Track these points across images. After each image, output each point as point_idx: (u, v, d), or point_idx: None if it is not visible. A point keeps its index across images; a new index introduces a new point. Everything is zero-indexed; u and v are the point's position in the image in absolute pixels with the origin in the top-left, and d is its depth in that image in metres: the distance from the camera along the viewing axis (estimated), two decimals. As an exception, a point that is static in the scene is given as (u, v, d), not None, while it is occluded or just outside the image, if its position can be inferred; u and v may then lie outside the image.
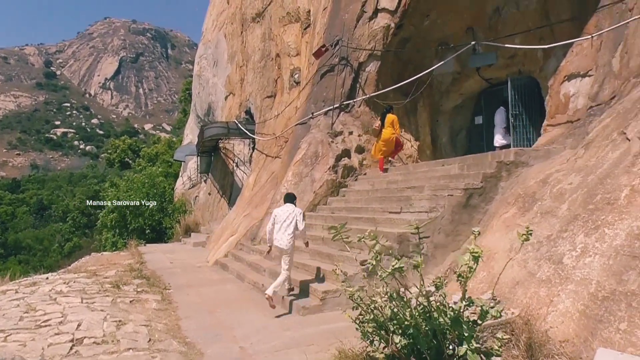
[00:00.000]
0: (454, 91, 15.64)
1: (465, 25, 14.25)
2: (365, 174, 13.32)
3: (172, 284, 10.45)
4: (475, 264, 3.66)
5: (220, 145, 25.26)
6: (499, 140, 14.08)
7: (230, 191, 23.81)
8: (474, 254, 3.62)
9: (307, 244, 8.43)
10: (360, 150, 13.65)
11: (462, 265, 3.79)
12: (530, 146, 13.77)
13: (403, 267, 4.07)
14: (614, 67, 11.01)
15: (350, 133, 13.77)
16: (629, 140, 5.91)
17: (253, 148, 21.52)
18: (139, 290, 9.44)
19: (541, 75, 13.32)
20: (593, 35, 11.70)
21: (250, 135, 20.44)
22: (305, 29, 17.82)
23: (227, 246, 14.01)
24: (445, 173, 9.47)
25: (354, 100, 14.04)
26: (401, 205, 8.94)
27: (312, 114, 14.32)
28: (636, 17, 10.33)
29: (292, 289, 7.96)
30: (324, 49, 14.16)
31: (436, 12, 14.08)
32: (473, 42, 13.68)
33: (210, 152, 26.81)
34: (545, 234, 5.92)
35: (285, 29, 19.03)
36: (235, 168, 24.07)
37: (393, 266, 4.08)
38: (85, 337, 6.13)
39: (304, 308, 7.12)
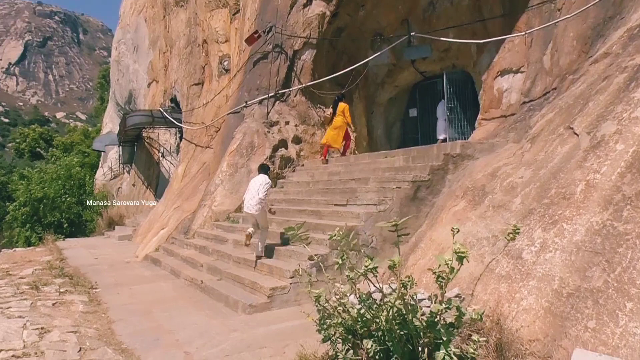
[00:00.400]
0: (389, 83, 15.66)
1: (400, 17, 14.26)
2: (303, 165, 12.98)
3: (99, 282, 9.58)
4: (460, 264, 3.41)
5: (144, 134, 23.88)
6: (442, 132, 14.23)
7: (156, 182, 22.59)
8: (459, 254, 3.37)
9: (272, 211, 9.14)
10: (297, 140, 13.28)
11: (440, 265, 3.53)
12: (466, 139, 14.08)
13: (377, 267, 3.76)
14: (545, 65, 11.41)
15: (287, 123, 13.36)
16: (577, 135, 5.98)
17: (180, 138, 20.49)
18: (61, 290, 8.53)
19: (475, 70, 13.61)
20: (525, 32, 12.05)
21: (178, 124, 19.43)
22: (234, 14, 17.11)
23: (158, 240, 13.16)
24: (390, 165, 9.34)
25: (290, 89, 13.63)
26: (347, 198, 8.70)
27: (246, 102, 13.75)
28: (564, 17, 10.74)
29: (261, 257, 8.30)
30: (256, 35, 13.60)
31: (371, 3, 13.96)
32: (409, 34, 13.72)
33: (133, 141, 25.29)
34: (500, 228, 5.87)
35: (212, 14, 18.18)
36: (161, 158, 22.85)
37: (366, 267, 3.75)
38: (1, 350, 5.32)
39: (251, 306, 6.69)
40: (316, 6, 13.43)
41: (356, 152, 14.69)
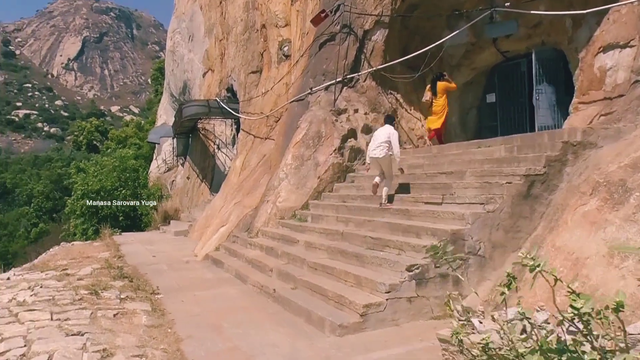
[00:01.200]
0: (465, 65, 14.18)
1: (479, -8, 12.71)
2: (372, 157, 11.78)
3: (160, 286, 8.78)
4: None
5: (199, 125, 23.30)
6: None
7: (211, 175, 21.97)
8: None
9: (401, 170, 9.06)
10: (367, 130, 12.08)
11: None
12: (557, 127, 12.48)
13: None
14: (665, 35, 9.70)
15: (356, 111, 12.19)
16: None
17: (237, 129, 19.71)
18: (122, 297, 7.74)
19: (570, 47, 11.94)
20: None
21: (235, 114, 18.61)
22: (296, -4, 15.99)
23: (218, 238, 12.34)
24: (488, 156, 8.01)
25: (359, 73, 12.43)
26: (442, 194, 7.45)
27: (311, 89, 12.66)
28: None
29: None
30: (323, 15, 12.45)
31: (450, -25, 12.49)
32: (492, 9, 12.20)
33: (188, 133, 24.80)
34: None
35: (272, -3, 17.15)
36: (216, 150, 22.20)
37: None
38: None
39: (341, 327, 5.59)
40: (395, -19, 12.13)
41: (430, 143, 13.36)
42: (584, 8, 11.04)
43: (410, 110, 13.14)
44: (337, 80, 12.26)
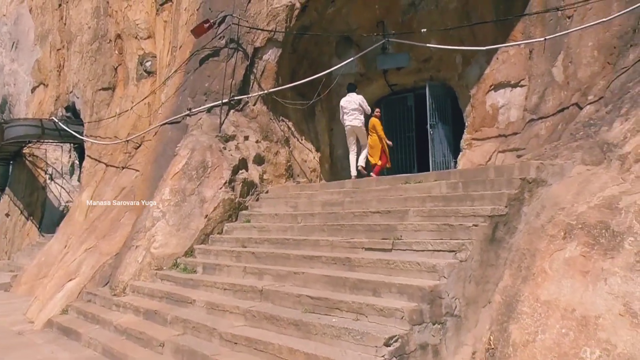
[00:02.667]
0: (353, 96, 13.45)
1: (374, 19, 12.21)
2: (267, 192, 10.20)
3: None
4: None
5: (26, 150, 19.08)
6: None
7: (41, 212, 17.96)
8: None
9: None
10: (259, 160, 10.48)
11: None
12: (448, 163, 12.32)
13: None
14: (556, 77, 9.95)
15: (246, 138, 10.53)
16: None
17: (80, 156, 16.41)
18: None
19: (460, 83, 11.92)
20: (520, 42, 10.67)
21: (79, 137, 15.40)
22: (162, 4, 13.91)
23: (65, 296, 9.44)
24: (426, 193, 7.02)
25: (249, 96, 10.85)
26: (387, 239, 6.17)
27: (190, 110, 10.70)
28: (582, 26, 9.41)
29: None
30: (207, 26, 10.68)
31: (344, -1, 11.75)
32: (385, 39, 11.73)
33: (9, 159, 20.20)
34: None
35: (130, 4, 14.76)
36: (48, 181, 18.29)
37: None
38: None
39: None
40: (283, -5, 10.90)
41: (321, 176, 12.24)
42: (474, 46, 11.10)
43: (302, 140, 11.89)
44: (223, 101, 10.51)
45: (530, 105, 10.39)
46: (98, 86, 15.25)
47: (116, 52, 14.86)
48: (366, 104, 9.95)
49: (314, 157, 12.05)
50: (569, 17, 10.01)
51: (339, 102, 13.36)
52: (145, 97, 13.21)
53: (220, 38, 10.92)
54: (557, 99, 9.92)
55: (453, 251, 5.41)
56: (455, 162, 12.64)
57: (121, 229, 10.44)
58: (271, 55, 11.04)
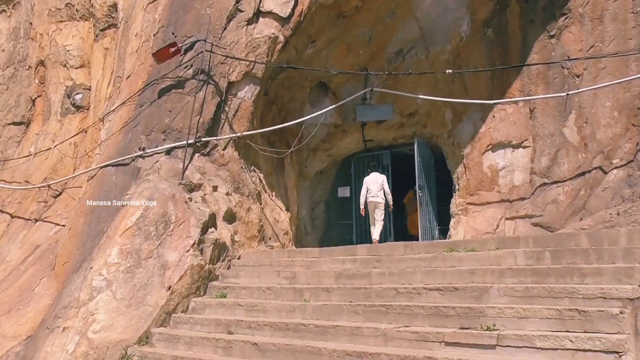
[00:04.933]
0: (323, 149, 11.88)
1: (356, 65, 10.91)
2: (239, 258, 8.02)
3: None
4: None
5: None
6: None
7: None
8: None
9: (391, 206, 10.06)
10: (230, 217, 8.34)
11: None
12: (441, 227, 10.90)
13: None
14: (569, 139, 9.13)
15: (215, 188, 8.40)
16: None
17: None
18: None
19: (449, 141, 10.81)
20: (518, 99, 9.88)
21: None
22: (103, 29, 11.68)
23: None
24: (497, 264, 5.36)
25: (219, 137, 8.83)
26: (480, 328, 4.37)
27: (143, 149, 8.43)
28: (597, 85, 8.75)
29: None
30: (173, 50, 8.70)
31: (325, 39, 10.41)
32: (369, 88, 10.44)
33: None
34: None
35: (60, 28, 12.35)
36: None
37: None
38: None
39: None
40: (265, 26, 9.28)
41: (292, 241, 10.22)
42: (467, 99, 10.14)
43: (273, 196, 9.93)
44: (189, 142, 8.39)
45: (540, 168, 9.42)
46: (8, 119, 12.28)
47: (36, 81, 12.18)
48: (387, 185, 10.04)
49: (285, 218, 10.06)
50: (577, 76, 9.36)
51: (308, 156, 11.81)
52: (74, 135, 10.59)
53: (186, 67, 8.95)
54: (574, 162, 9.03)
55: (614, 352, 3.69)
56: (441, 230, 11.30)
57: (35, 302, 7.63)
58: (247, 93, 9.21)
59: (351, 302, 5.62)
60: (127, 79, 9.96)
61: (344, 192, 12.42)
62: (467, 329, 4.55)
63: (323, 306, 5.70)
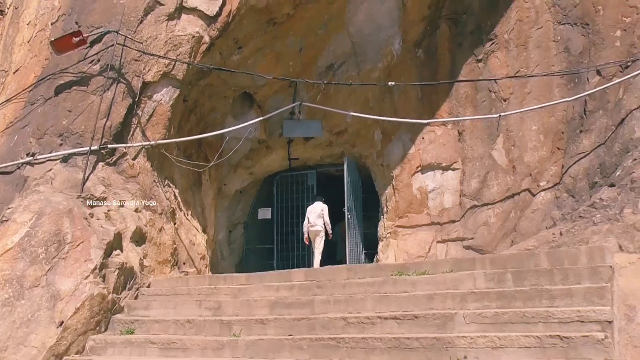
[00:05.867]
0: (245, 167, 10.97)
1: (285, 77, 10.23)
2: (149, 287, 6.83)
3: None
4: None
5: None
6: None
7: None
8: None
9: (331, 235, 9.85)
10: (140, 238, 7.15)
11: None
12: (359, 254, 10.34)
13: None
14: (498, 161, 9.08)
15: (122, 204, 7.16)
16: None
17: None
18: None
19: (378, 162, 10.41)
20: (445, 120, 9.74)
21: None
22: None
23: None
24: (455, 288, 4.80)
25: (128, 145, 7.65)
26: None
27: (33, 155, 7.05)
28: (521, 110, 8.81)
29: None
30: (77, 40, 7.44)
31: (253, 46, 9.64)
32: (298, 103, 9.83)
33: None
34: None
35: None
36: None
37: None
38: None
39: None
40: (188, 23, 8.33)
41: (208, 266, 9.13)
42: (395, 122, 9.85)
43: (188, 215, 8.82)
44: (92, 148, 7.14)
45: (470, 191, 9.24)
46: None
47: None
48: (327, 214, 9.81)
49: (202, 240, 8.98)
50: (504, 100, 9.40)
51: (228, 173, 10.83)
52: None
53: (92, 62, 7.73)
54: (504, 184, 8.94)
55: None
56: (367, 254, 10.78)
57: None
58: (165, 96, 8.14)
59: (292, 335, 4.75)
60: (14, 73, 8.48)
61: (265, 213, 11.53)
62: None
63: (258, 341, 4.77)
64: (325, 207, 9.79)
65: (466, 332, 4.08)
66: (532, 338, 3.76)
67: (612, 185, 6.60)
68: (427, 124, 9.48)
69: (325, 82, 9.10)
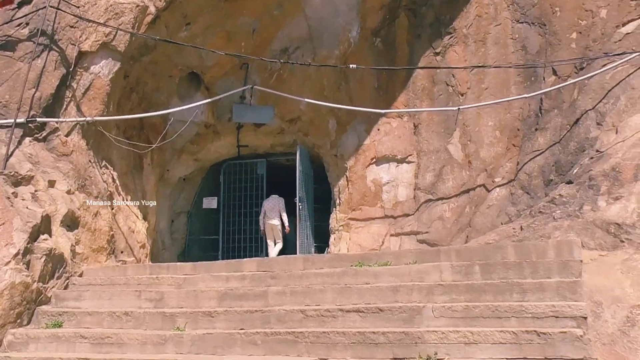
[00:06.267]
0: (190, 152, 10.32)
1: (237, 59, 9.68)
2: (81, 276, 6.16)
3: None
4: None
5: None
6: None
7: None
8: None
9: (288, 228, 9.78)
10: (72, 222, 6.43)
11: None
12: (309, 246, 9.97)
13: None
14: (455, 155, 8.98)
15: (52, 184, 6.43)
16: None
17: None
18: None
19: (332, 152, 10.08)
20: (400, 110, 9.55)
21: None
22: None
23: None
24: (420, 280, 4.51)
25: (61, 120, 6.89)
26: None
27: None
28: (480, 104, 8.75)
29: None
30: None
31: (202, 23, 9.04)
32: (249, 86, 9.33)
33: None
34: None
35: None
36: None
37: None
38: None
39: None
40: (133, -9, 7.64)
41: (149, 255, 8.47)
42: (351, 112, 9.58)
43: (128, 200, 8.11)
44: (17, 121, 6.35)
45: (425, 184, 9.07)
46: None
47: None
48: (284, 208, 9.87)
49: (143, 228, 8.30)
50: (462, 94, 9.31)
51: (171, 157, 10.14)
52: None
53: (20, 25, 6.90)
54: (459, 179, 8.83)
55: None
56: (318, 247, 10.44)
57: None
58: (104, 69, 7.41)
59: (244, 329, 4.30)
60: None
61: (211, 203, 10.93)
62: (402, 359, 3.56)
63: (206, 336, 4.28)
64: (282, 201, 9.83)
65: (436, 327, 3.79)
66: (507, 333, 3.52)
67: (569, 182, 6.57)
68: (384, 114, 9.22)
69: (282, 61, 8.55)
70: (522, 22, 9.02)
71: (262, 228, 9.93)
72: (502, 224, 7.59)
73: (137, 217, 8.24)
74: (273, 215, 9.76)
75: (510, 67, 8.61)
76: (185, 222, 10.90)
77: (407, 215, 8.98)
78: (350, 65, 8.31)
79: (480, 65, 8.82)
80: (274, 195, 9.98)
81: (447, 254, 4.91)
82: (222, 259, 10.22)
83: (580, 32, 8.34)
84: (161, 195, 10.03)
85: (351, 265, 5.05)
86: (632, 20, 7.99)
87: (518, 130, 8.55)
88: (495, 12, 9.27)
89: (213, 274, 5.48)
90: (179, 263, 6.91)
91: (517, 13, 9.11)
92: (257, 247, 10.54)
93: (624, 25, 8.05)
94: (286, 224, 9.71)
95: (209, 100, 9.11)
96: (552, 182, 7.30)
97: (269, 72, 9.84)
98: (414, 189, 9.14)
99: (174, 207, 10.58)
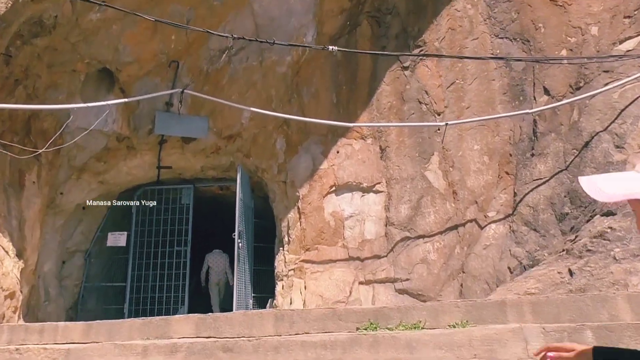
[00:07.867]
0: (94, 171, 7.91)
1: (164, 56, 7.67)
2: None
3: None
4: None
5: None
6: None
7: None
8: None
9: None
10: None
11: None
12: (260, 295, 7.77)
13: None
14: (435, 184, 7.39)
15: None
16: None
17: None
18: None
19: (279, 178, 8.16)
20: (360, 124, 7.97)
21: None
22: None
23: None
24: (489, 353, 2.61)
25: None
26: None
27: None
28: (471, 119, 7.33)
29: None
30: None
31: (123, 5, 6.91)
32: (180, 90, 7.31)
33: None
34: None
35: None
36: None
37: None
38: None
39: None
40: None
41: (22, 311, 5.87)
42: (303, 126, 7.87)
43: (-5, 229, 5.58)
44: None
45: (400, 219, 7.32)
46: None
47: None
48: (229, 265, 9.31)
49: (14, 269, 5.75)
50: (438, 114, 7.86)
51: (67, 178, 7.64)
52: None
53: None
54: (443, 213, 7.17)
55: None
56: (257, 298, 8.25)
57: None
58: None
59: None
60: None
61: (118, 239, 8.44)
62: None
63: None
64: (227, 258, 9.44)
65: None
66: None
67: (610, 214, 5.10)
68: (350, 128, 7.52)
69: (230, 45, 6.60)
70: (502, 37, 7.92)
71: (203, 284, 9.66)
72: (509, 268, 5.98)
73: (8, 252, 5.70)
74: (219, 277, 9.53)
75: (488, 57, 7.33)
76: (82, 264, 8.30)
77: (379, 257, 7.13)
78: (330, 48, 6.50)
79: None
80: (217, 250, 9.63)
81: (517, 310, 3.09)
82: (130, 314, 7.71)
83: (570, 50, 7.35)
84: (49, 226, 7.48)
85: (359, 328, 3.05)
86: (630, 37, 7.10)
87: (510, 155, 7.18)
88: (471, 26, 8.11)
89: (120, 343, 3.20)
90: (67, 323, 4.49)
91: (495, 27, 8.01)
92: (178, 299, 8.13)
93: (621, 42, 7.15)
94: (231, 280, 8.98)
95: (124, 100, 6.93)
96: (570, 216, 5.85)
97: (204, 75, 7.86)
98: (385, 225, 7.38)
99: (66, 243, 7.98)
